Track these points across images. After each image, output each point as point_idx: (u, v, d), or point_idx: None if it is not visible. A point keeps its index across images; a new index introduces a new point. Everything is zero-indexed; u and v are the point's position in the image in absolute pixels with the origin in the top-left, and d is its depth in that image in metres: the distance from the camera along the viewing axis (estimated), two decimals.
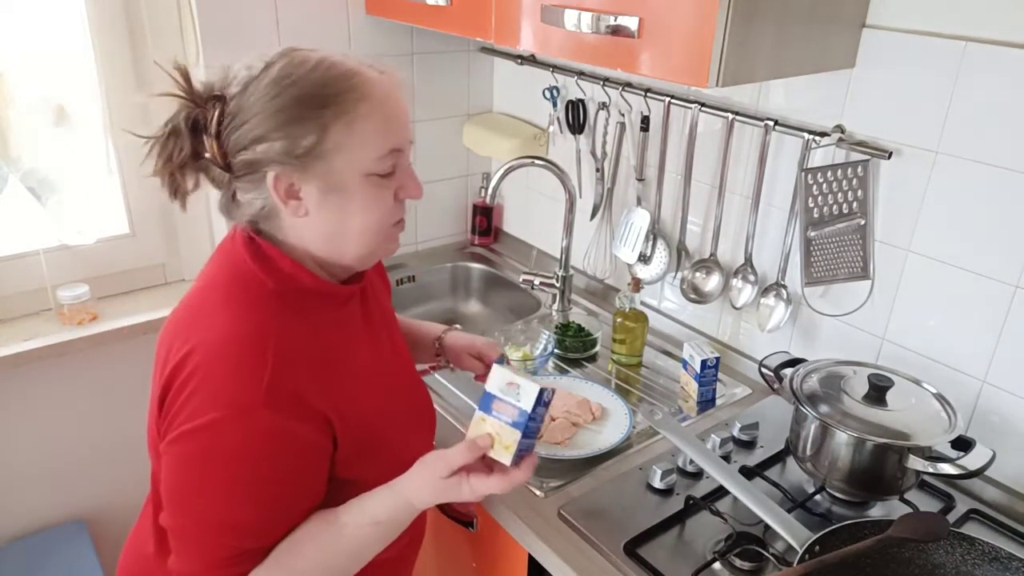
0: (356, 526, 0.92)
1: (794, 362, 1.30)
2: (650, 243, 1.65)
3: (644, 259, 1.66)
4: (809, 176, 1.30)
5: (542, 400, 0.90)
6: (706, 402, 1.44)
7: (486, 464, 0.93)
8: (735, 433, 1.33)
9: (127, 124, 1.62)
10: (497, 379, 0.91)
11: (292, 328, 0.91)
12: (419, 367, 1.18)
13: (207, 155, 0.89)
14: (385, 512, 0.93)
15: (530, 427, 0.90)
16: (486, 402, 0.92)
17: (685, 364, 1.45)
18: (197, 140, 0.89)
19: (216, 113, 0.87)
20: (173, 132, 0.89)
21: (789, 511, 1.11)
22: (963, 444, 1.09)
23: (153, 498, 1.04)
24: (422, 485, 0.92)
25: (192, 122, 0.89)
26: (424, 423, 1.14)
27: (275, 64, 0.88)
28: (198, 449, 0.86)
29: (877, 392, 1.14)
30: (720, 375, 1.53)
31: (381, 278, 1.19)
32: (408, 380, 1.12)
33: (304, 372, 0.89)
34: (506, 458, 0.90)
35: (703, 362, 1.41)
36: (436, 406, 1.39)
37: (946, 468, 1.06)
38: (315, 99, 0.86)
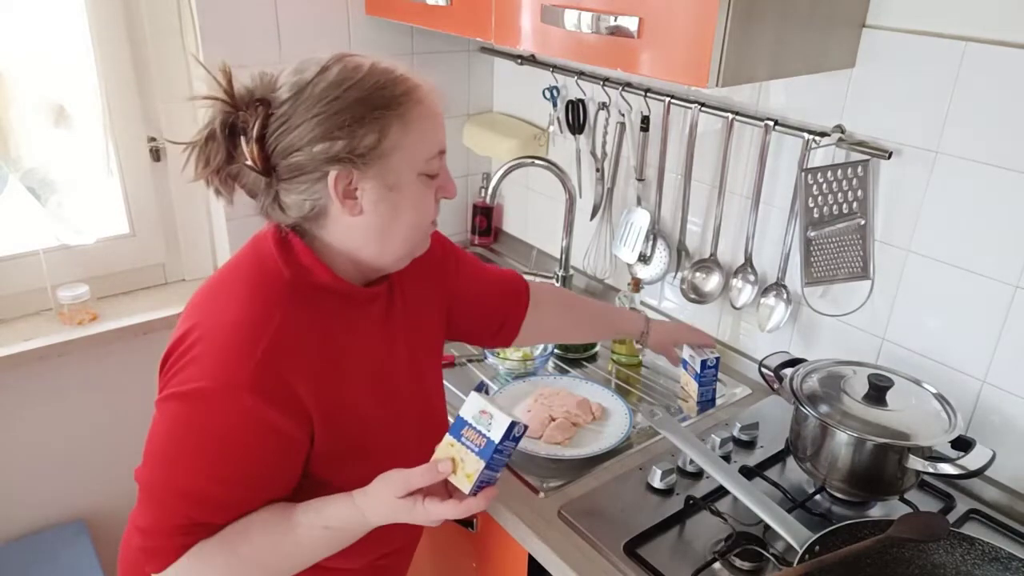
0: (308, 526, 0.93)
1: (794, 362, 1.30)
2: (650, 243, 1.65)
3: (644, 259, 1.66)
4: (809, 176, 1.30)
5: (512, 434, 0.88)
6: (706, 402, 1.44)
7: (445, 488, 0.93)
8: (735, 433, 1.33)
9: (126, 117, 1.63)
10: (472, 406, 0.90)
11: (296, 320, 0.92)
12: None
13: (247, 161, 0.89)
14: (338, 520, 0.94)
15: (495, 459, 0.89)
16: (457, 427, 0.90)
17: (685, 364, 1.45)
18: (233, 144, 0.90)
19: (259, 117, 0.88)
20: (210, 136, 0.90)
21: (789, 511, 1.11)
22: (963, 444, 1.09)
23: None
24: (378, 501, 0.92)
25: (230, 127, 0.89)
26: (428, 432, 1.10)
27: (332, 68, 0.90)
28: (179, 412, 0.90)
29: (877, 392, 1.14)
30: (720, 375, 1.53)
31: (432, 287, 1.16)
32: (419, 390, 1.10)
33: (296, 364, 0.90)
34: (465, 486, 0.89)
35: (703, 362, 1.41)
36: None
37: (946, 468, 1.06)
38: (374, 101, 0.89)
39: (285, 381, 0.89)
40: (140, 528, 0.93)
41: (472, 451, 0.88)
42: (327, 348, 0.95)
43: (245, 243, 1.02)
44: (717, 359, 1.42)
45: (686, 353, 1.44)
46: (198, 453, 0.89)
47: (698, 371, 1.41)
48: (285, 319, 0.91)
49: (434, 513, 0.91)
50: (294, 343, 0.91)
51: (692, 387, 1.44)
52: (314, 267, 0.95)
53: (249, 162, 0.89)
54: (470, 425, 0.89)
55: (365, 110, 0.89)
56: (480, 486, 0.90)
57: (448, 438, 0.91)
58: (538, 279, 1.76)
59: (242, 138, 0.89)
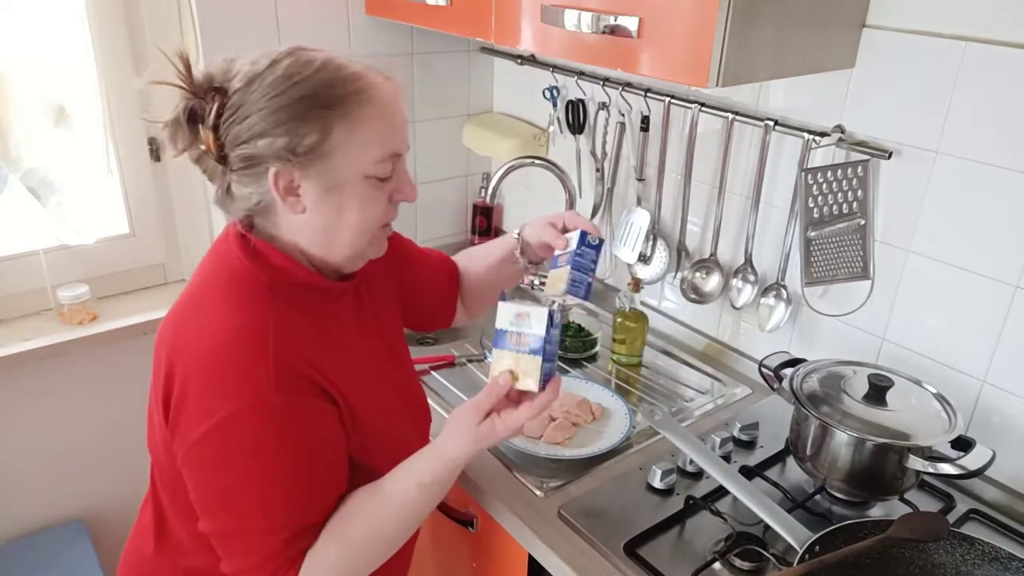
0: (403, 491, 0.95)
1: (794, 362, 1.30)
2: (650, 243, 1.65)
3: (644, 259, 1.66)
4: (809, 176, 1.30)
5: (553, 322, 0.94)
6: (578, 291, 1.06)
7: (512, 399, 0.96)
8: (735, 433, 1.33)
9: (126, 117, 1.63)
10: (506, 314, 0.95)
11: (288, 318, 0.92)
12: (418, 367, 1.19)
13: (202, 147, 0.90)
14: (430, 473, 0.95)
15: (547, 350, 0.94)
16: (500, 339, 0.95)
17: (555, 261, 1.12)
18: (193, 131, 0.90)
19: (215, 105, 0.88)
20: (175, 121, 0.90)
21: (789, 511, 1.11)
22: (963, 444, 1.09)
23: (152, 497, 1.05)
24: (459, 438, 0.94)
25: (190, 113, 0.89)
26: (420, 420, 1.15)
27: (281, 62, 0.89)
28: (220, 447, 0.87)
29: (877, 392, 1.14)
30: (720, 375, 1.54)
31: (387, 280, 1.17)
32: (403, 378, 1.13)
33: (305, 356, 0.91)
34: (533, 385, 0.93)
35: (583, 235, 1.08)
36: (436, 406, 1.40)
37: (946, 468, 1.06)
38: (320, 99, 0.87)
39: (300, 372, 0.90)
40: (247, 568, 0.90)
41: (525, 352, 0.94)
42: (323, 339, 0.95)
43: (204, 257, 1.01)
44: (601, 241, 1.11)
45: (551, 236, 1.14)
46: (260, 471, 0.88)
47: (575, 248, 1.08)
48: (278, 320, 0.91)
49: (514, 421, 0.93)
50: (294, 339, 0.91)
51: (561, 273, 1.07)
52: (287, 265, 0.94)
53: (204, 147, 0.89)
54: (511, 332, 0.95)
55: (308, 107, 0.87)
56: (545, 380, 0.94)
57: (497, 352, 0.95)
58: (537, 280, 1.77)
59: (200, 125, 0.89)
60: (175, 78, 0.89)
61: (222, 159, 0.90)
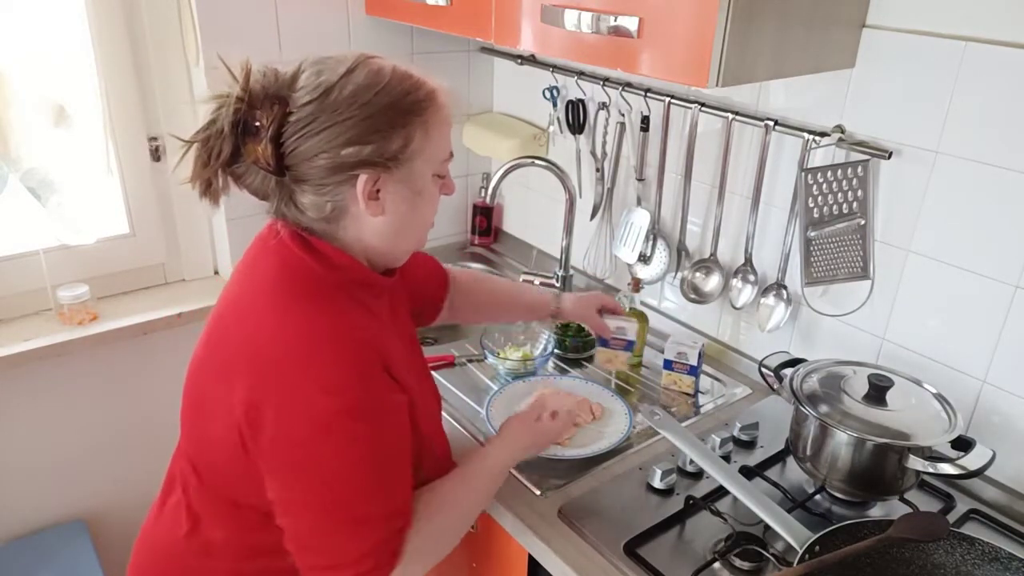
0: (478, 474, 1.09)
1: (794, 362, 1.30)
2: (650, 243, 1.65)
3: (644, 259, 1.66)
4: (809, 176, 1.30)
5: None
6: (699, 393, 1.48)
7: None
8: (735, 433, 1.33)
9: (126, 117, 1.63)
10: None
11: (357, 318, 0.95)
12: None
13: (259, 159, 0.88)
14: (499, 461, 1.13)
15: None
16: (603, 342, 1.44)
17: (669, 363, 1.46)
18: (242, 143, 0.89)
19: (276, 117, 0.87)
20: (217, 133, 0.89)
21: (789, 511, 1.11)
22: (963, 444, 1.09)
23: (181, 482, 1.05)
24: (518, 430, 1.18)
25: (242, 124, 0.88)
26: (436, 403, 1.16)
27: (357, 71, 0.90)
28: (328, 447, 0.89)
29: (877, 392, 1.14)
30: (720, 375, 1.54)
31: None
32: (423, 367, 1.16)
33: (380, 353, 0.94)
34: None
35: (700, 354, 1.44)
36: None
37: (946, 468, 1.06)
38: (402, 106, 0.92)
39: (382, 368, 0.93)
40: (349, 562, 0.91)
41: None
42: (383, 338, 0.97)
43: (254, 257, 1.01)
44: (703, 344, 1.47)
45: (671, 352, 1.45)
46: (371, 465, 0.91)
47: (695, 364, 1.44)
48: (354, 320, 0.94)
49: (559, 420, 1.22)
50: (370, 338, 0.94)
51: (687, 381, 1.46)
52: (350, 264, 0.97)
53: (261, 161, 0.88)
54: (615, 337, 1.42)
55: (395, 115, 0.91)
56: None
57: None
58: (537, 280, 1.76)
59: (253, 137, 0.88)
60: (233, 87, 0.87)
61: (281, 171, 0.89)
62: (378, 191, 0.93)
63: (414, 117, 0.92)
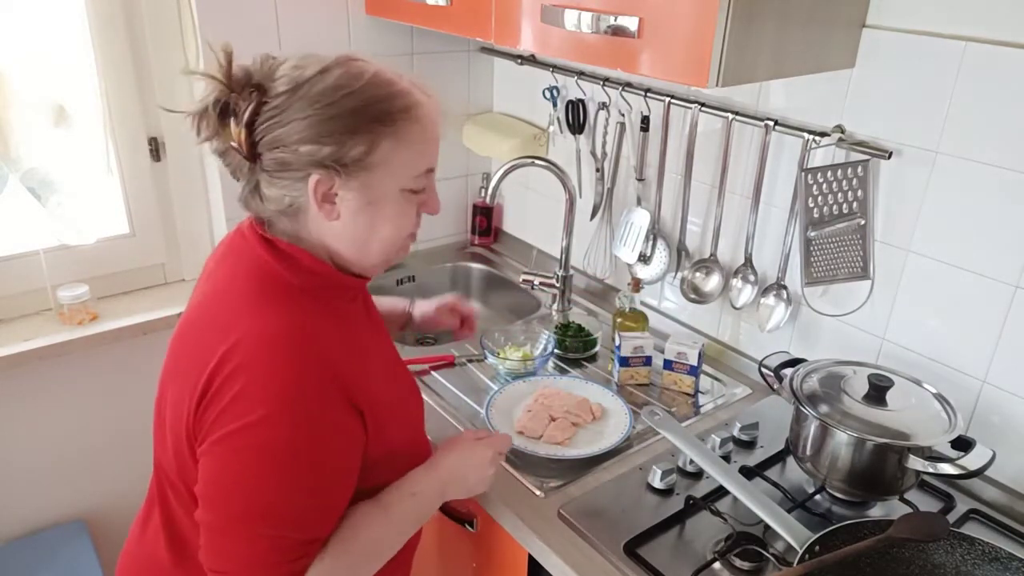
0: (398, 500, 1.01)
1: (794, 362, 1.30)
2: (650, 243, 1.65)
3: (644, 259, 1.66)
4: (809, 176, 1.30)
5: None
6: (699, 393, 1.47)
7: None
8: (735, 433, 1.33)
9: (126, 117, 1.63)
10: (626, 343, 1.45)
11: (322, 323, 0.93)
12: (415, 367, 1.20)
13: (234, 142, 0.89)
14: (418, 484, 1.04)
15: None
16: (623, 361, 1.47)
17: (669, 364, 1.46)
18: (222, 124, 0.89)
19: (252, 103, 0.88)
20: (202, 112, 0.90)
21: (789, 511, 1.11)
22: (963, 444, 1.09)
23: (159, 498, 1.03)
24: (449, 453, 1.09)
25: (222, 106, 0.89)
26: (417, 404, 1.14)
27: (332, 71, 0.89)
28: (251, 445, 0.86)
29: (877, 392, 1.14)
30: (720, 375, 1.54)
31: None
32: (401, 365, 1.14)
33: (337, 366, 0.91)
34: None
35: (700, 354, 1.44)
36: (436, 405, 1.42)
37: (946, 468, 1.06)
38: (370, 113, 0.89)
39: (334, 384, 0.90)
40: (243, 569, 0.88)
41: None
42: (349, 345, 0.95)
43: (220, 257, 1.01)
44: (703, 344, 1.48)
45: (671, 352, 1.45)
46: (283, 474, 0.87)
47: (695, 364, 1.44)
48: (315, 326, 0.91)
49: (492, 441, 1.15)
50: (329, 345, 0.91)
51: (687, 381, 1.46)
52: (318, 268, 0.95)
53: (235, 144, 0.89)
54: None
55: (358, 121, 0.88)
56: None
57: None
58: (537, 280, 1.76)
59: (232, 120, 0.89)
60: (215, 70, 0.88)
61: (252, 157, 0.90)
62: (335, 195, 0.91)
63: (380, 126, 0.89)
